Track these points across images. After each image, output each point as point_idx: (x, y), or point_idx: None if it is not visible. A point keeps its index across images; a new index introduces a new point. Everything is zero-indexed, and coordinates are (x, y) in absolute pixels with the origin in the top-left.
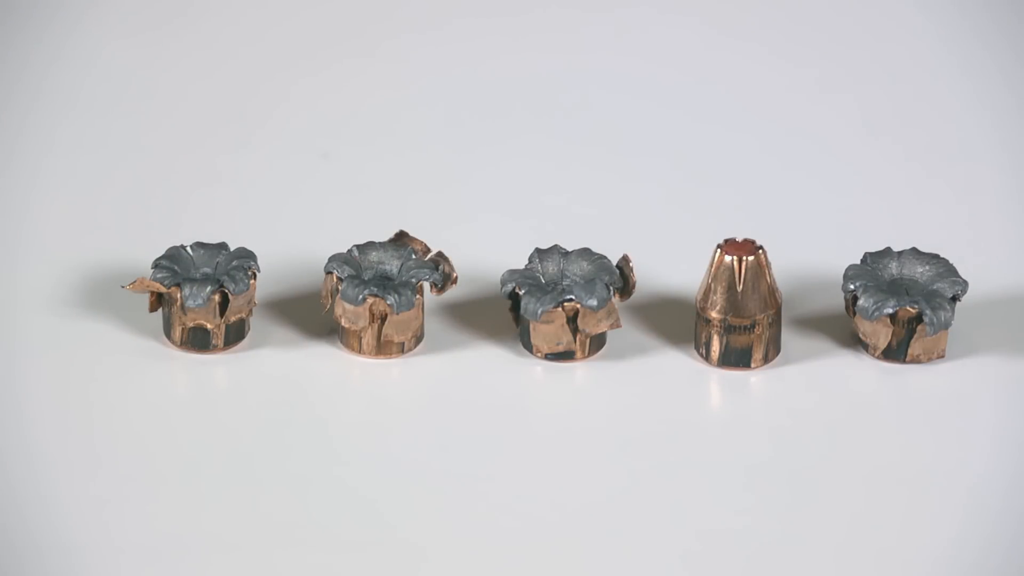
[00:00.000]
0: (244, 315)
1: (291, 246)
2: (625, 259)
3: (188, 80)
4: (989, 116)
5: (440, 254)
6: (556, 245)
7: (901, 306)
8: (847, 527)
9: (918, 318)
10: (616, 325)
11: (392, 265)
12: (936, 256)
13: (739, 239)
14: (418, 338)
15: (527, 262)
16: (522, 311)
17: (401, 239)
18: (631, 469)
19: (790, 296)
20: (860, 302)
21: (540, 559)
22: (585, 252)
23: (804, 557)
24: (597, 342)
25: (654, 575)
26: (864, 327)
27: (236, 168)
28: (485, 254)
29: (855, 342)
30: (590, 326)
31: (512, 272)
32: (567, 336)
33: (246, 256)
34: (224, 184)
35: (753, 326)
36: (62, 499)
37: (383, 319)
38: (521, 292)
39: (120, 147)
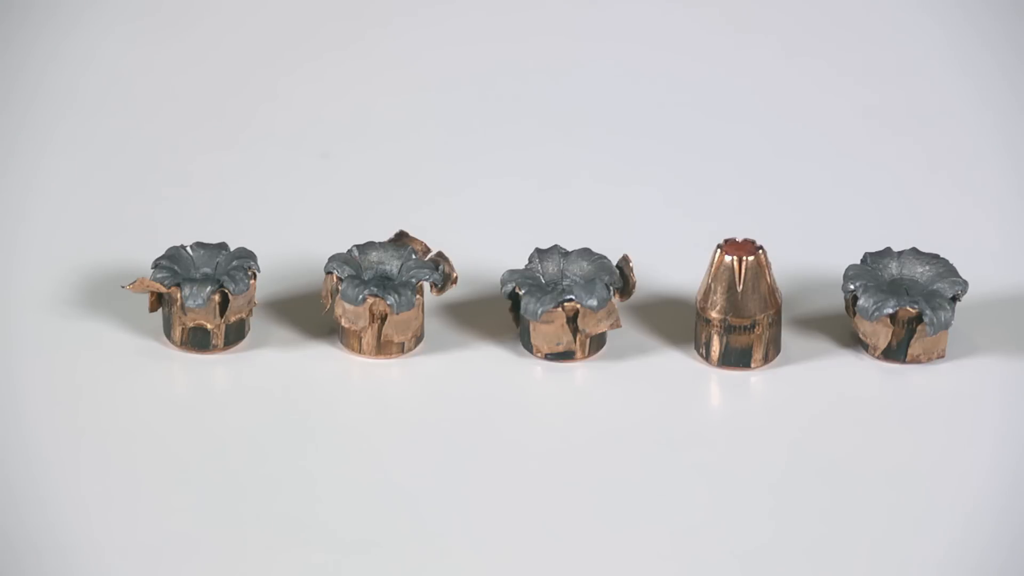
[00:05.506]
0: (244, 315)
1: (291, 246)
2: (625, 259)
3: (189, 80)
4: (990, 116)
5: (440, 254)
6: (556, 245)
7: (901, 306)
8: (847, 527)
9: (918, 318)
10: (616, 325)
11: (392, 265)
12: (936, 256)
13: (739, 239)
14: (418, 338)
15: (527, 262)
16: (522, 311)
17: (401, 239)
18: (631, 469)
19: (790, 296)
20: (860, 302)
21: (540, 559)
22: (585, 252)
23: (803, 556)
24: (597, 342)
25: (653, 575)
26: (864, 327)
27: (237, 168)
28: (485, 254)
29: (855, 342)
30: (590, 326)
31: (512, 272)
32: (567, 336)
33: (246, 256)
34: (224, 184)
35: (753, 326)
36: (62, 499)
37: (383, 319)
38: (521, 292)
39: (120, 147)
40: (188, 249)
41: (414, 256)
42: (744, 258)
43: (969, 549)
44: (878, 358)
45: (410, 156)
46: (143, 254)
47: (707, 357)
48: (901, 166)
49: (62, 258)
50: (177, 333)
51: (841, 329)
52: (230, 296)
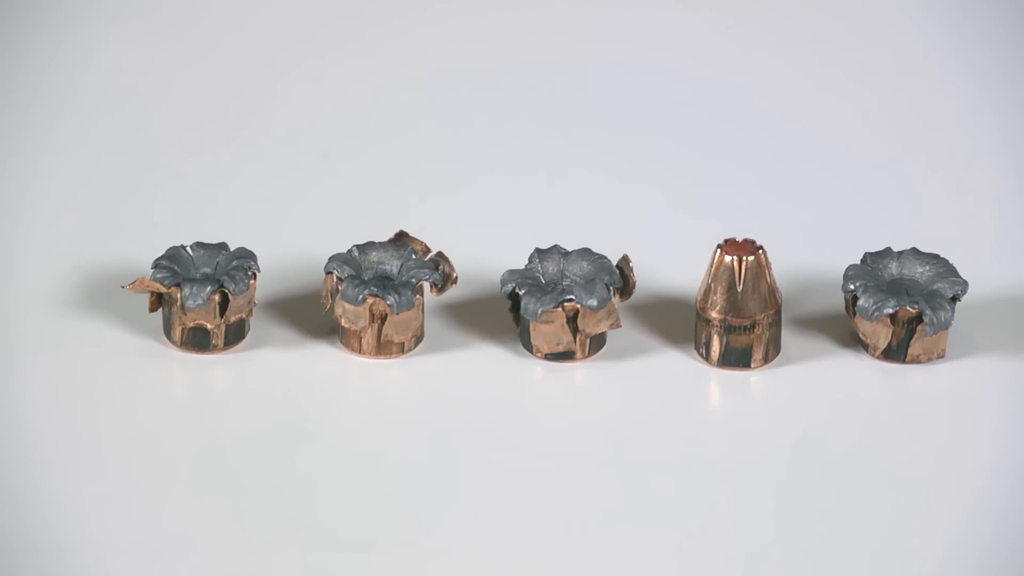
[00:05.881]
0: (244, 315)
1: (291, 246)
2: (625, 259)
3: (189, 80)
4: (990, 116)
5: (440, 254)
6: (556, 245)
7: (901, 306)
8: (846, 527)
9: (918, 318)
10: (616, 325)
11: (392, 265)
12: (936, 256)
13: (739, 239)
14: (418, 338)
15: (527, 262)
16: (522, 311)
17: (401, 239)
18: (631, 469)
19: (790, 296)
20: (860, 302)
21: (540, 559)
22: (585, 252)
23: (802, 557)
24: (597, 342)
25: (653, 575)
26: (864, 327)
27: (236, 168)
28: (485, 254)
29: (855, 342)
30: (590, 326)
31: (512, 272)
32: (567, 336)
33: (246, 256)
34: (224, 184)
35: (753, 326)
36: (62, 499)
37: (383, 319)
38: (521, 292)
39: (120, 147)
40: (188, 249)
41: (414, 256)
42: (744, 258)
43: (970, 549)
44: (878, 358)
45: (410, 156)
46: (143, 254)
47: (707, 357)
48: (901, 166)
49: (62, 258)
50: (177, 333)
51: (841, 329)
52: (230, 296)
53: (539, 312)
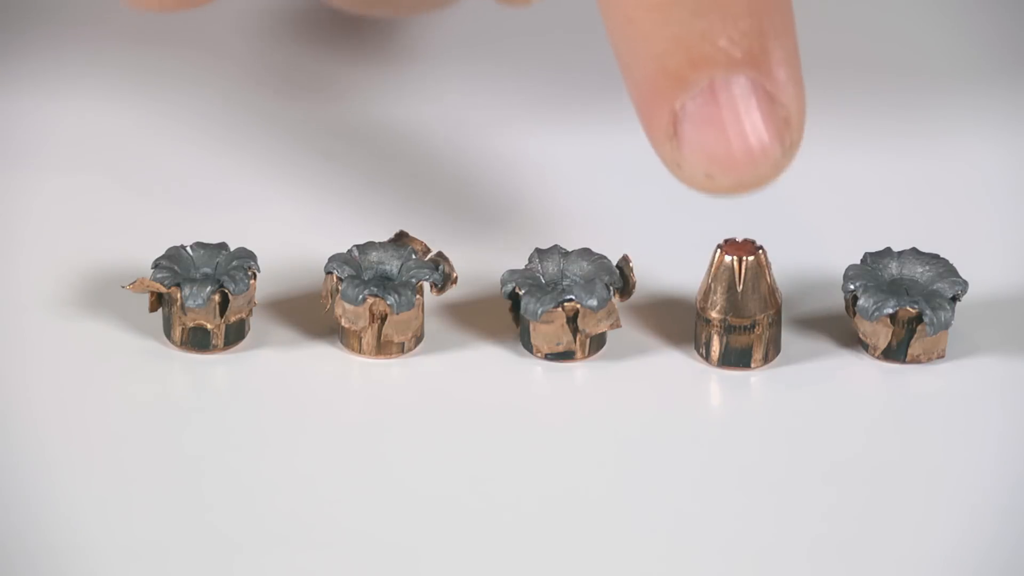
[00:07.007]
0: (244, 315)
1: (291, 246)
2: (625, 259)
3: (189, 79)
4: (990, 115)
5: (440, 254)
6: (556, 245)
7: (901, 306)
8: (846, 528)
9: (918, 318)
10: (616, 325)
11: (392, 265)
12: (936, 256)
13: (739, 239)
14: (418, 338)
15: (527, 262)
16: (522, 311)
17: (401, 239)
18: (631, 469)
19: (790, 296)
20: (860, 302)
21: (539, 560)
22: (585, 252)
23: (804, 556)
24: (597, 342)
25: (652, 575)
26: (864, 327)
27: (236, 168)
28: (485, 254)
29: (855, 342)
30: (590, 326)
31: (512, 272)
32: (567, 336)
33: (246, 256)
34: (224, 184)
35: (753, 326)
36: (59, 500)
37: (383, 319)
38: (521, 292)
39: (120, 146)
40: (188, 249)
41: (414, 256)
42: (744, 258)
43: (971, 550)
44: (878, 358)
45: (410, 155)
46: (143, 254)
47: (707, 357)
48: (901, 166)
49: (62, 258)
50: (177, 333)
51: (841, 329)
52: (230, 296)
53: (539, 312)
